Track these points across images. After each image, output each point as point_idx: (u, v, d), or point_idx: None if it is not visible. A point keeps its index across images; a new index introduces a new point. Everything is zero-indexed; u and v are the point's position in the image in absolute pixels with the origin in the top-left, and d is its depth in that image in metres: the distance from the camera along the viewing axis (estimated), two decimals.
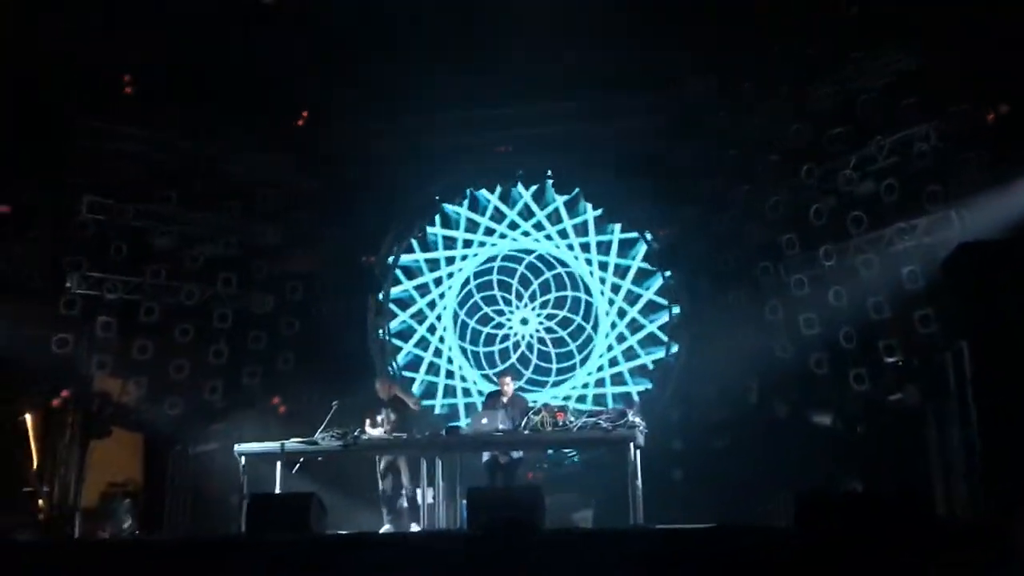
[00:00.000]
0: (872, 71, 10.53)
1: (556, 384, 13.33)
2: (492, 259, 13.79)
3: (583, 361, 13.35)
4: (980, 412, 7.82)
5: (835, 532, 5.18)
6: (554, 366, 13.43)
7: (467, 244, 13.81)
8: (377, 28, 11.32)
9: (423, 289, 13.76)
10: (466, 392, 13.52)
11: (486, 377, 13.36)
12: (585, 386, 13.29)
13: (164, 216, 11.85)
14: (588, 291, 13.53)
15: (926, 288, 9.89)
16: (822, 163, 10.92)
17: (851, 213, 10.57)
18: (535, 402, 9.62)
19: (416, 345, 13.65)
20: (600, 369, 13.31)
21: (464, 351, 13.63)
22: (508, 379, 9.91)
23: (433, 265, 13.80)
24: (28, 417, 11.36)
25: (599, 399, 13.06)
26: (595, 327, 13.40)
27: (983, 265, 8.15)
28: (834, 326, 10.64)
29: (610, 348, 13.33)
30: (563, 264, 13.64)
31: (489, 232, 13.78)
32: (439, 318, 13.72)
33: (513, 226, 13.76)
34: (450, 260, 13.82)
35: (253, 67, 11.73)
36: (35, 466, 11.21)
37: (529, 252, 13.74)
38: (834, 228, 10.77)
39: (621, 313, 13.36)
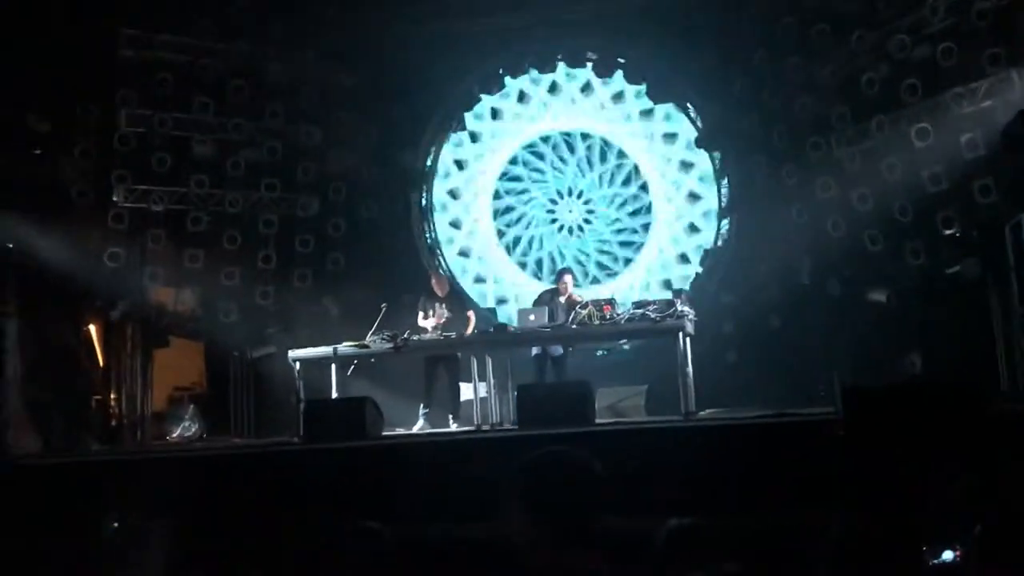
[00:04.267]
0: None
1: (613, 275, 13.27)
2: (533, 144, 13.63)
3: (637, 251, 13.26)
4: None
5: (884, 426, 5.07)
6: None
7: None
8: None
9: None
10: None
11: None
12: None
13: (204, 124, 11.75)
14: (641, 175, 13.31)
15: (986, 156, 9.42)
16: (875, 29, 10.36)
17: (905, 81, 10.06)
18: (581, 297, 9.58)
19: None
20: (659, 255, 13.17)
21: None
22: (568, 278, 9.80)
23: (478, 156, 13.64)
24: (92, 329, 11.69)
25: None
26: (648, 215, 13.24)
27: None
28: (888, 200, 10.25)
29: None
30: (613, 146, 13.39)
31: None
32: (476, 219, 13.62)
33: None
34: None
35: None
36: (101, 376, 11.58)
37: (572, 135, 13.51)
38: (887, 98, 10.27)
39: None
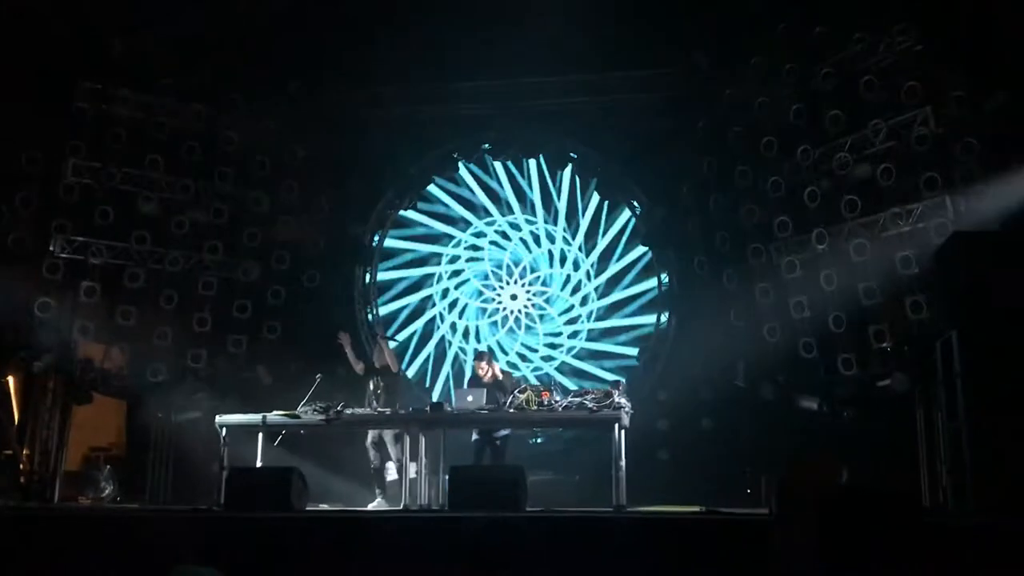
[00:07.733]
0: (874, 53, 10.33)
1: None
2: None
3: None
4: (967, 403, 7.77)
5: (818, 527, 5.10)
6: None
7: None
8: None
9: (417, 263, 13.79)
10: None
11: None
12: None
13: (152, 181, 11.65)
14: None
15: (919, 275, 9.76)
16: (819, 145, 10.76)
17: (845, 197, 10.43)
18: (523, 377, 9.55)
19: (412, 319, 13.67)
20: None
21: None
22: (483, 363, 9.82)
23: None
24: (11, 380, 11.28)
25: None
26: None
27: (976, 255, 8.07)
28: (824, 310, 10.52)
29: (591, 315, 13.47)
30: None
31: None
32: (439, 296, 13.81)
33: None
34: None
35: (251, 32, 11.57)
36: (16, 430, 11.14)
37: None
38: (828, 211, 10.63)
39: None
